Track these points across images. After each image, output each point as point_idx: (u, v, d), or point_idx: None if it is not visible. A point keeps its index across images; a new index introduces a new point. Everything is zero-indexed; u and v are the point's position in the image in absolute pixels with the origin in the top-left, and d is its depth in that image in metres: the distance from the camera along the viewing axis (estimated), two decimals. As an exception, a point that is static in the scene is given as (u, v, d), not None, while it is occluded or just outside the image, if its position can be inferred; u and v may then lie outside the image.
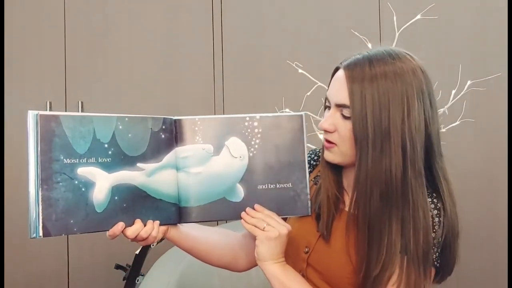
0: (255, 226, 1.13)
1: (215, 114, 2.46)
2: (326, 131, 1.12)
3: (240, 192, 1.16)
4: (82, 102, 2.43)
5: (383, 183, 1.05)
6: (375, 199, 1.06)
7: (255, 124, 1.16)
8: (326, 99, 1.14)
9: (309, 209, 1.17)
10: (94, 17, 2.47)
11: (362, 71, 1.06)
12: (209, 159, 1.15)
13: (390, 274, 1.06)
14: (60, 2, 2.45)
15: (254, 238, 1.15)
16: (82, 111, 2.42)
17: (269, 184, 1.16)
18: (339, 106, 1.09)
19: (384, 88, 1.04)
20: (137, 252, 1.90)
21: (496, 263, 2.42)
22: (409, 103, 1.05)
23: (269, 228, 1.12)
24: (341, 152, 1.11)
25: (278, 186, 1.17)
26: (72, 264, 2.44)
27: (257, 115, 1.16)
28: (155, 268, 1.77)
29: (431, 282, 1.12)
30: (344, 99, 1.07)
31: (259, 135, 1.16)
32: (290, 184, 1.17)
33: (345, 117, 1.08)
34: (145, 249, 1.90)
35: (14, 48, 2.44)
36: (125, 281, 1.93)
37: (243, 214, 1.15)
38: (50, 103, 2.42)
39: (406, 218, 1.06)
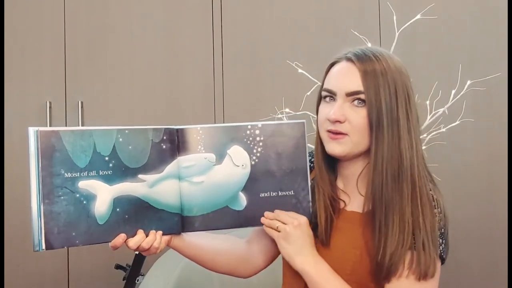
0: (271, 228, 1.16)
1: (215, 114, 2.46)
2: (336, 122, 1.13)
3: (243, 201, 1.17)
4: (82, 102, 2.43)
5: (396, 165, 1.11)
6: (389, 180, 1.11)
7: (257, 132, 1.16)
8: (327, 92, 1.16)
9: (311, 216, 1.18)
10: (94, 17, 2.47)
11: (371, 63, 1.13)
12: (211, 168, 1.16)
13: (404, 253, 1.09)
14: (60, 2, 2.45)
15: (259, 244, 1.21)
16: (82, 111, 2.42)
17: (271, 192, 1.18)
18: (351, 94, 1.12)
19: (391, 79, 1.12)
20: (137, 252, 1.90)
21: (496, 262, 2.42)
22: (409, 93, 1.14)
23: (281, 227, 1.14)
24: (352, 141, 1.13)
25: (280, 193, 1.18)
26: (72, 264, 2.44)
27: (259, 123, 1.17)
28: (155, 268, 1.77)
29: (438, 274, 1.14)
30: (358, 86, 1.12)
31: (261, 143, 1.17)
32: (292, 191, 1.18)
33: (357, 105, 1.12)
34: (145, 249, 1.89)
35: (14, 48, 2.44)
36: (125, 281, 1.93)
37: (262, 219, 1.17)
38: (50, 103, 2.42)
39: (414, 197, 1.11)
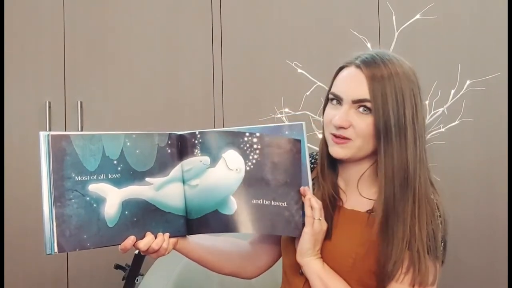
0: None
1: (214, 114, 2.46)
2: (340, 128, 1.14)
3: (233, 205, 1.16)
4: (81, 102, 2.43)
5: (403, 174, 1.12)
6: (398, 189, 1.13)
7: (254, 140, 1.16)
8: (334, 96, 1.17)
9: (301, 232, 1.16)
10: (93, 17, 2.47)
11: (379, 69, 1.13)
12: (205, 171, 1.17)
13: (402, 259, 1.12)
14: (59, 2, 2.45)
15: (262, 245, 1.24)
16: (81, 111, 2.42)
17: (264, 200, 1.16)
18: (358, 101, 1.13)
19: (399, 86, 1.12)
20: (137, 252, 1.90)
21: (496, 263, 2.42)
22: (416, 101, 1.14)
23: (323, 220, 1.16)
24: (355, 146, 1.15)
25: (273, 203, 1.16)
26: (71, 264, 2.44)
27: (257, 132, 1.16)
28: (155, 268, 1.77)
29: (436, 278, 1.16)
30: (364, 94, 1.13)
31: (257, 151, 1.16)
32: (285, 203, 1.16)
33: (362, 112, 1.13)
34: (145, 249, 1.89)
35: (14, 48, 2.44)
36: (124, 281, 1.93)
37: (301, 189, 1.16)
38: (49, 103, 2.42)
39: (413, 207, 1.13)
